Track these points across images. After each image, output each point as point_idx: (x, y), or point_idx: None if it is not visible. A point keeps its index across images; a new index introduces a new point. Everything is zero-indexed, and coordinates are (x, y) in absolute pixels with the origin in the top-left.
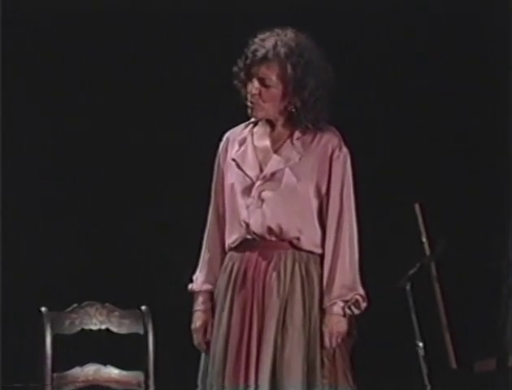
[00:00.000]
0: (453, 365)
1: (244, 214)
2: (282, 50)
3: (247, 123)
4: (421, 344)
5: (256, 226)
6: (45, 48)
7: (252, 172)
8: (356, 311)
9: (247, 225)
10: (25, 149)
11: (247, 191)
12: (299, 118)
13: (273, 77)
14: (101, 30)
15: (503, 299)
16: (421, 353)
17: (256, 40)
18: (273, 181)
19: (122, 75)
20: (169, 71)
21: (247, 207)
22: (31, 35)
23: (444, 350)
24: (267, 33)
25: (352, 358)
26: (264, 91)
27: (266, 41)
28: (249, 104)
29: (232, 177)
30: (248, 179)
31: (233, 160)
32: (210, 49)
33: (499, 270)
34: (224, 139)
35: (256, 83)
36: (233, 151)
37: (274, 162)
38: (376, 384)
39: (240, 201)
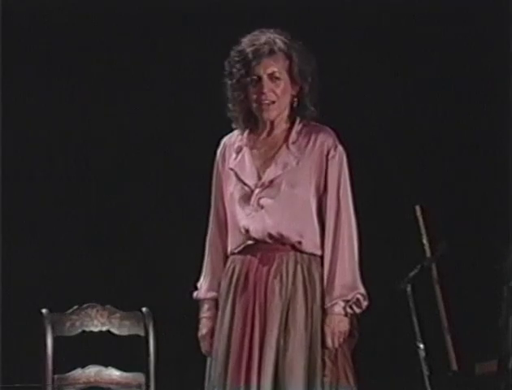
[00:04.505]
0: (454, 367)
1: (244, 221)
2: (282, 43)
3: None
4: (422, 346)
5: (256, 233)
6: (45, 47)
7: (250, 181)
8: (357, 310)
9: (247, 231)
10: (25, 149)
11: (246, 199)
12: (300, 111)
13: (281, 69)
14: (101, 30)
15: (504, 301)
16: (422, 354)
17: (246, 40)
18: (272, 188)
19: (122, 76)
20: (169, 71)
21: (247, 215)
22: (31, 34)
23: (445, 352)
24: (256, 32)
25: (353, 359)
26: (274, 87)
27: (262, 39)
28: (263, 106)
29: (231, 186)
30: (247, 188)
31: (231, 169)
32: (210, 50)
33: (500, 271)
34: (221, 145)
35: (266, 80)
36: (230, 159)
37: (271, 169)
38: (377, 386)
39: (240, 209)
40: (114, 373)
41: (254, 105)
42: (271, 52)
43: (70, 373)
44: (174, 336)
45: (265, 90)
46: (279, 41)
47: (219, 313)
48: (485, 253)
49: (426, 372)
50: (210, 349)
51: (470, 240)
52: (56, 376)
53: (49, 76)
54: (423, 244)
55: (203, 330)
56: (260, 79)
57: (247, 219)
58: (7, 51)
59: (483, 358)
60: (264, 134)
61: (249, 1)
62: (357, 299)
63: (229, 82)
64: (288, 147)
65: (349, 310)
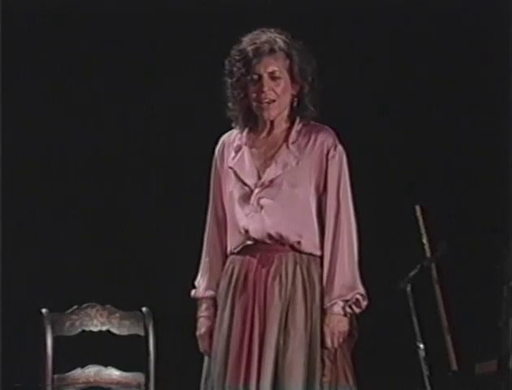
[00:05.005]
0: (454, 366)
1: (243, 221)
2: (282, 43)
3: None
4: (422, 346)
5: (256, 233)
6: (46, 48)
7: (250, 180)
8: (357, 310)
9: (246, 231)
10: (26, 149)
11: (246, 199)
12: (300, 110)
13: (282, 68)
14: (101, 30)
15: (504, 300)
16: (422, 354)
17: (247, 39)
18: (272, 188)
19: (122, 75)
20: (169, 71)
21: (246, 215)
22: (31, 34)
23: (445, 352)
24: (256, 32)
25: (353, 358)
26: (275, 85)
27: (263, 37)
28: (263, 104)
29: (231, 185)
30: (246, 188)
31: (231, 168)
32: (210, 50)
33: (500, 271)
34: (220, 143)
35: (267, 78)
36: (229, 158)
37: (271, 169)
38: (377, 386)
39: (239, 209)
40: (113, 373)
41: (254, 103)
42: (272, 51)
43: (70, 373)
44: (174, 336)
45: (265, 89)
46: (279, 40)
47: (219, 313)
48: (485, 253)
49: (426, 372)
50: (209, 348)
51: (470, 240)
52: (56, 376)
53: (50, 76)
54: (423, 244)
55: (202, 329)
56: (260, 77)
57: (247, 219)
58: (7, 51)
59: (483, 358)
60: (264, 133)
61: (249, 1)
62: (357, 299)
63: (229, 81)
64: (288, 147)
65: (348, 310)
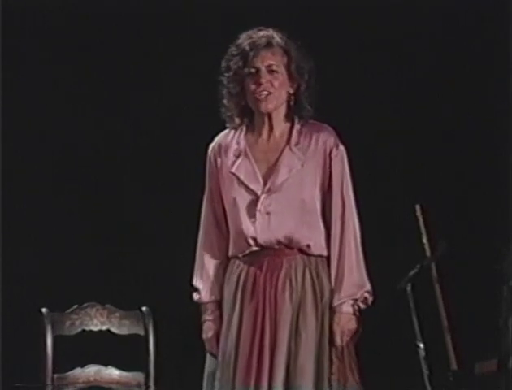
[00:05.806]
0: (454, 366)
1: (250, 229)
2: (279, 39)
3: (235, 130)
4: (422, 345)
5: (264, 240)
6: (46, 47)
7: (255, 186)
8: (363, 307)
9: (254, 239)
10: (25, 149)
11: (252, 206)
12: (297, 110)
13: (279, 63)
14: (101, 30)
15: (504, 300)
16: (422, 353)
17: (244, 35)
18: (278, 193)
19: (122, 75)
20: (169, 71)
21: (253, 223)
22: (31, 34)
23: (445, 351)
24: (253, 30)
25: (358, 354)
26: (272, 79)
27: (260, 33)
28: (260, 96)
29: (234, 191)
30: (252, 194)
31: (233, 174)
32: (210, 50)
33: (500, 271)
34: (215, 143)
35: (264, 71)
36: (229, 162)
37: (277, 174)
38: (377, 385)
39: (245, 216)
40: (113, 372)
41: (251, 96)
42: (269, 45)
43: (70, 372)
44: (174, 336)
45: (263, 81)
46: (277, 36)
47: (226, 317)
48: (485, 253)
49: (426, 371)
50: (217, 350)
51: (470, 240)
52: (56, 375)
53: (50, 76)
54: (423, 244)
55: (209, 333)
56: (258, 71)
57: (254, 227)
58: (7, 51)
59: (483, 357)
60: (264, 136)
61: (248, 1)
62: (365, 297)
63: (226, 75)
64: (291, 149)
65: (356, 308)
